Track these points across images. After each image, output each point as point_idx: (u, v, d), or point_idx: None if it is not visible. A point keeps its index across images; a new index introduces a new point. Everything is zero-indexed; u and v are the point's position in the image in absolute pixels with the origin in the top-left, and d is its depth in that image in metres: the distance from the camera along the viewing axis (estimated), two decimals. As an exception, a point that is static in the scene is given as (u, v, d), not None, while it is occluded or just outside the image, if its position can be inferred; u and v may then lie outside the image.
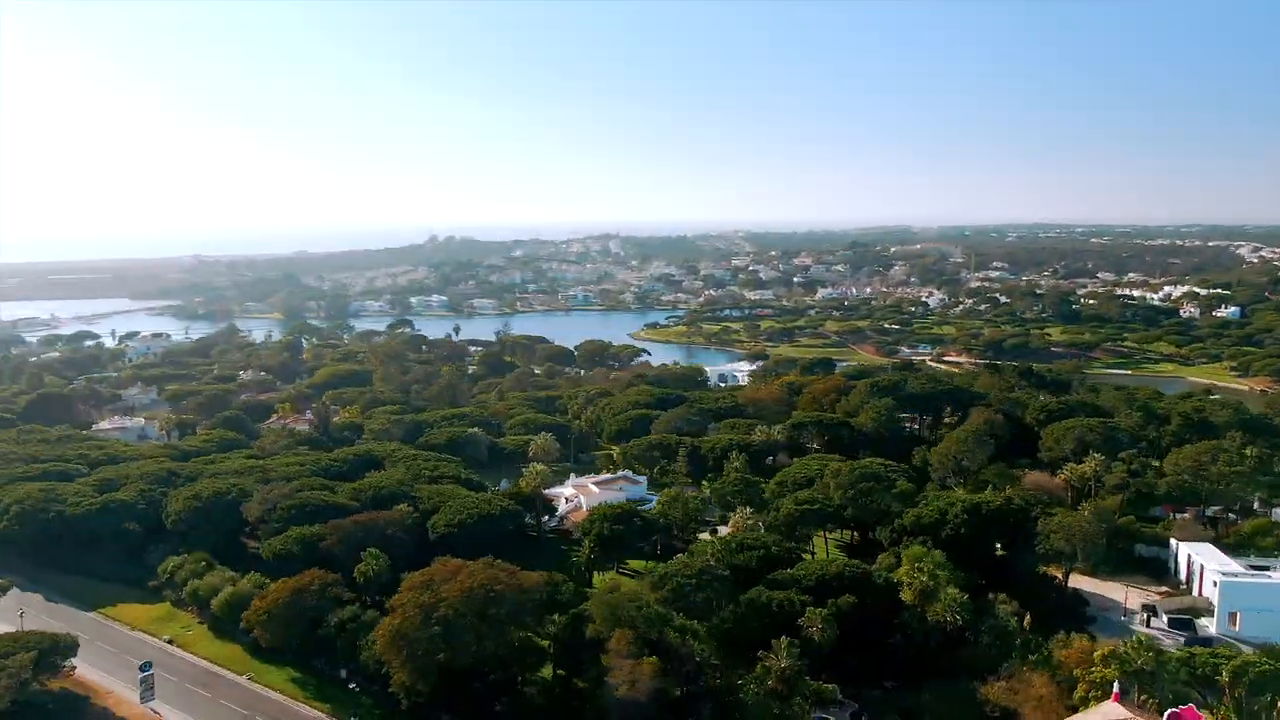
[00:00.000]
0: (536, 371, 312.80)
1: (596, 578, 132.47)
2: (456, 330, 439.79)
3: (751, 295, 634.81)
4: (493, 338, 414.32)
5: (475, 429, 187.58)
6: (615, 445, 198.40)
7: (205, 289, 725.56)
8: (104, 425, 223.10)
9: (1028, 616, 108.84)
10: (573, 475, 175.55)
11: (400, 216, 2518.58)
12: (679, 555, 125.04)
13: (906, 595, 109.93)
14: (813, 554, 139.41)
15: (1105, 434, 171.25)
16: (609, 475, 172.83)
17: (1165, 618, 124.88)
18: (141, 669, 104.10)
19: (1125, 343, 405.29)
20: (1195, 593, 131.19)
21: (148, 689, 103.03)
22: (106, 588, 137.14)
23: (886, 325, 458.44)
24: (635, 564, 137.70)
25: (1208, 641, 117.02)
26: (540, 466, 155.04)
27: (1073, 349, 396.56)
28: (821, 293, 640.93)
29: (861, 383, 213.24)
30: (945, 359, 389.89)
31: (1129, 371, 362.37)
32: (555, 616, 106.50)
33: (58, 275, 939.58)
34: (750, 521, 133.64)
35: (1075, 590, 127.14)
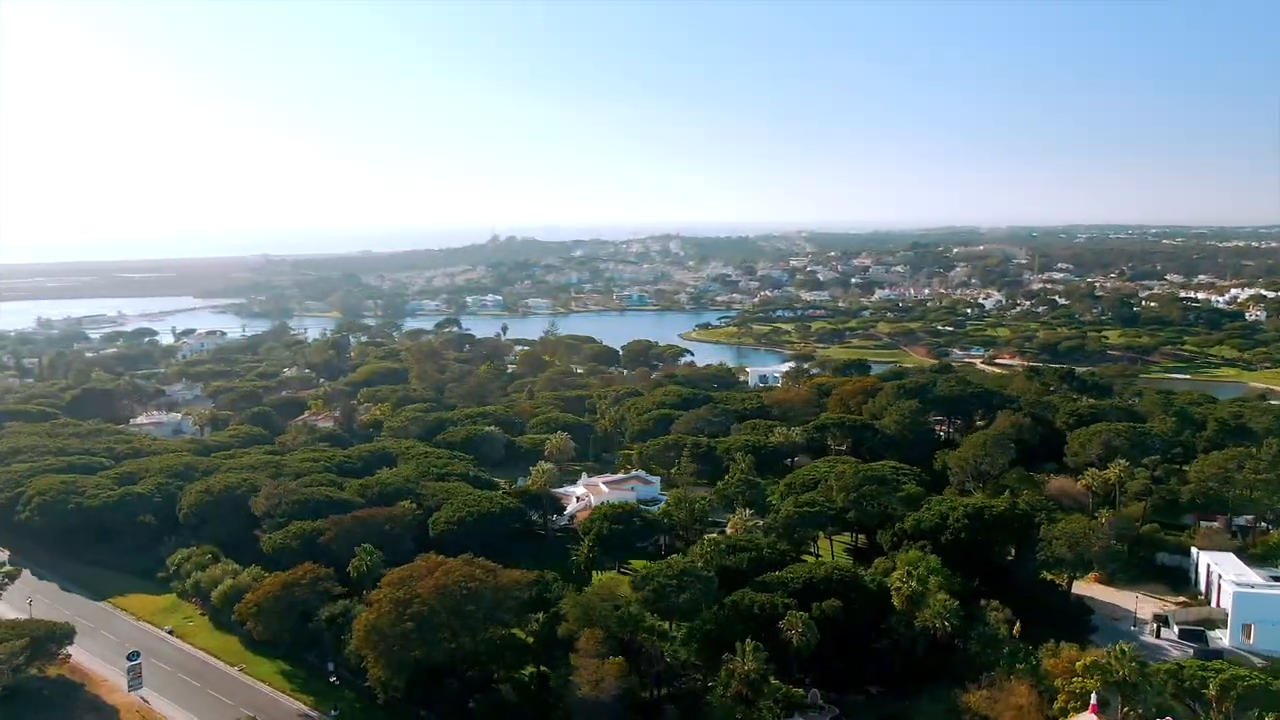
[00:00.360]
0: (578, 371, 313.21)
1: (597, 577, 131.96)
2: (504, 330, 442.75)
3: (808, 296, 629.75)
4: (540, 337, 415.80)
5: (492, 427, 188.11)
6: (638, 445, 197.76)
7: (268, 288, 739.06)
8: (141, 420, 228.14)
9: (1017, 624, 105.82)
10: (584, 474, 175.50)
11: (465, 217, 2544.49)
12: (672, 556, 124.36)
13: (897, 600, 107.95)
14: (817, 556, 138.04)
15: (1134, 439, 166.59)
16: (621, 475, 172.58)
17: (1176, 629, 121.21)
18: (129, 658, 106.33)
19: (1185, 346, 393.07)
20: (1214, 604, 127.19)
21: (135, 678, 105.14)
22: (120, 578, 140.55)
23: (939, 327, 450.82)
24: (638, 564, 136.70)
25: (1218, 654, 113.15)
26: (547, 465, 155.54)
27: (1130, 352, 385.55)
28: (879, 294, 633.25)
29: (888, 385, 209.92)
30: (998, 361, 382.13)
31: (1188, 376, 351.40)
32: (539, 615, 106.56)
33: (129, 273, 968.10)
34: (750, 523, 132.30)
35: (1079, 598, 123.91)
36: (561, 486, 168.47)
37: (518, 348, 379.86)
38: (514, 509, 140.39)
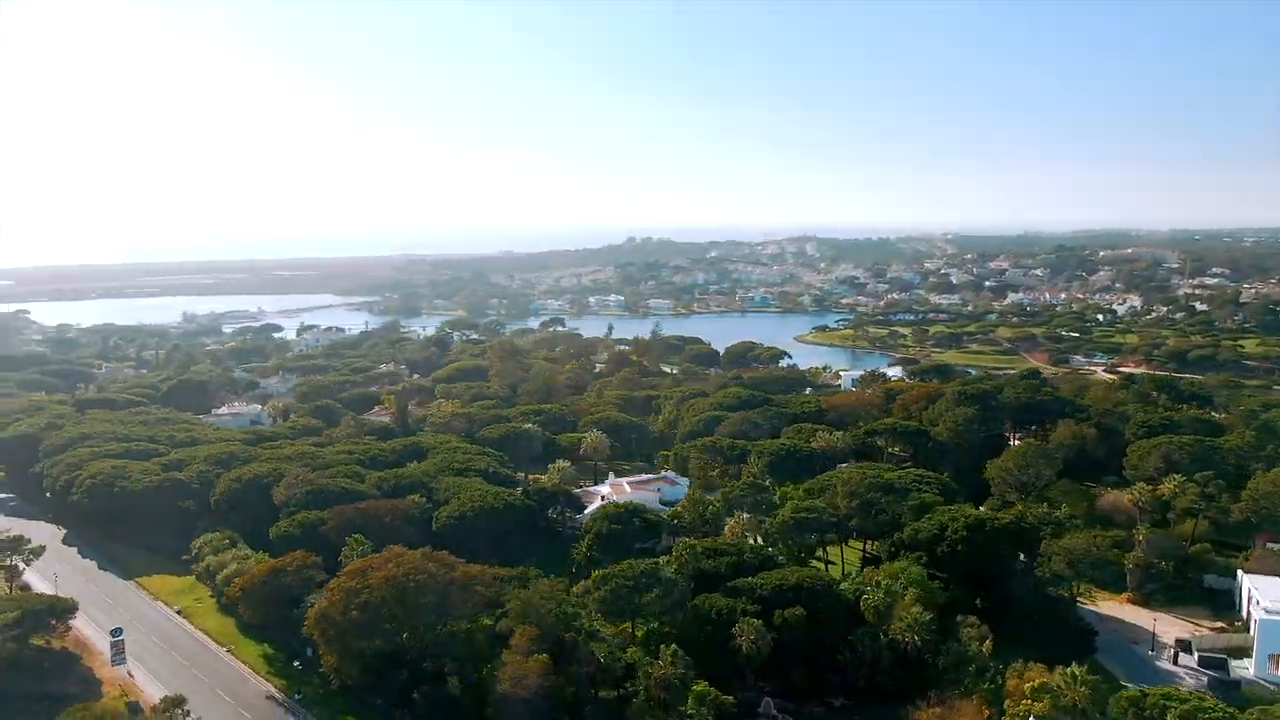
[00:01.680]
0: (671, 371, 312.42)
1: (597, 575, 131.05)
2: (610, 329, 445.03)
3: (937, 299, 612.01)
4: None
5: (530, 425, 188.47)
6: (678, 445, 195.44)
7: (403, 286, 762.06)
8: (222, 411, 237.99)
9: (988, 641, 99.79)
10: (611, 474, 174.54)
11: (607, 218, 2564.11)
12: (662, 557, 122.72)
13: (866, 611, 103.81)
14: (828, 565, 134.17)
15: (1197, 453, 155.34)
16: (648, 475, 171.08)
17: (1196, 655, 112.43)
18: (113, 634, 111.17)
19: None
20: (1252, 630, 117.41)
21: (118, 653, 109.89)
22: (152, 559, 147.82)
23: (1063, 332, 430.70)
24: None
25: (1236, 685, 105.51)
26: (563, 464, 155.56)
27: (1266, 362, 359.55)
28: (1011, 297, 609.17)
29: (950, 390, 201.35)
30: (1120, 369, 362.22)
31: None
32: (498, 611, 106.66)
33: (282, 271, 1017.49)
34: (748, 527, 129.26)
35: (1083, 617, 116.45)
36: (596, 485, 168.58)
37: (619, 347, 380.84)
38: (521, 506, 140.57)
